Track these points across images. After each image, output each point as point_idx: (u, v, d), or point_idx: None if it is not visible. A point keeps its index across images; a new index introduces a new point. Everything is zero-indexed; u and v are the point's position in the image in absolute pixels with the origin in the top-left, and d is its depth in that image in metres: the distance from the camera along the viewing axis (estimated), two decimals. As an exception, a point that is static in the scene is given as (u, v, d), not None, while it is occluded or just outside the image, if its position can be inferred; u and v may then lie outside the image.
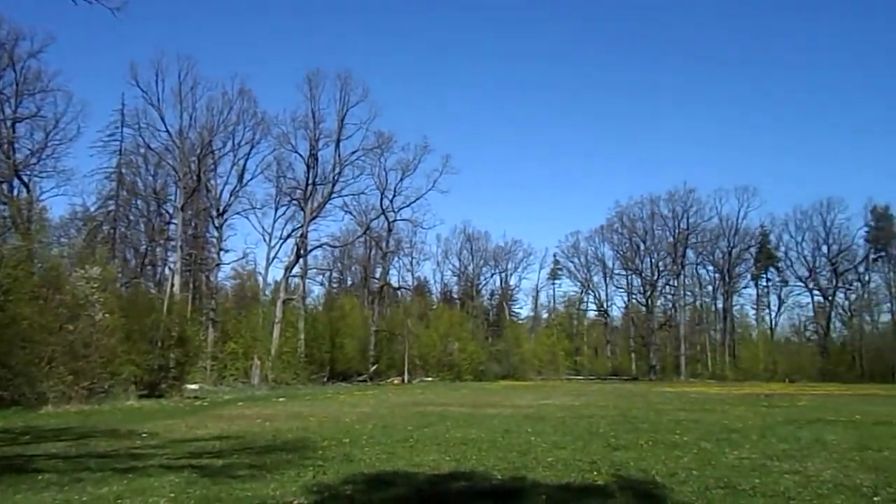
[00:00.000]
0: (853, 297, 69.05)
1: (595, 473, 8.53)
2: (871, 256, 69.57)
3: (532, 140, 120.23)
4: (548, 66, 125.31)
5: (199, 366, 34.57)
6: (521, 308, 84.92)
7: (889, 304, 67.24)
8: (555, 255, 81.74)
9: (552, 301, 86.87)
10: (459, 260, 77.82)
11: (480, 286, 78.97)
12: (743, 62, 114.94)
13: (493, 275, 79.44)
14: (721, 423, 15.47)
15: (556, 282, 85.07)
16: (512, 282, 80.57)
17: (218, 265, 48.61)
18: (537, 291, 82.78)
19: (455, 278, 79.06)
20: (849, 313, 68.79)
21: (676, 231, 70.40)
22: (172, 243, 47.10)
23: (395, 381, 48.90)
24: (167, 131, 43.38)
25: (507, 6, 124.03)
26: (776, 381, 55.30)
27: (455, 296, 78.01)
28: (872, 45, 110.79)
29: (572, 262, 79.34)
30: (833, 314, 68.86)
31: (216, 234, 48.90)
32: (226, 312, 50.07)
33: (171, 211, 49.12)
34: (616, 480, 8.08)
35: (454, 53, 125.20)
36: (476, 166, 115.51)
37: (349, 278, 73.83)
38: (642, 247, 72.64)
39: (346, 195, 52.11)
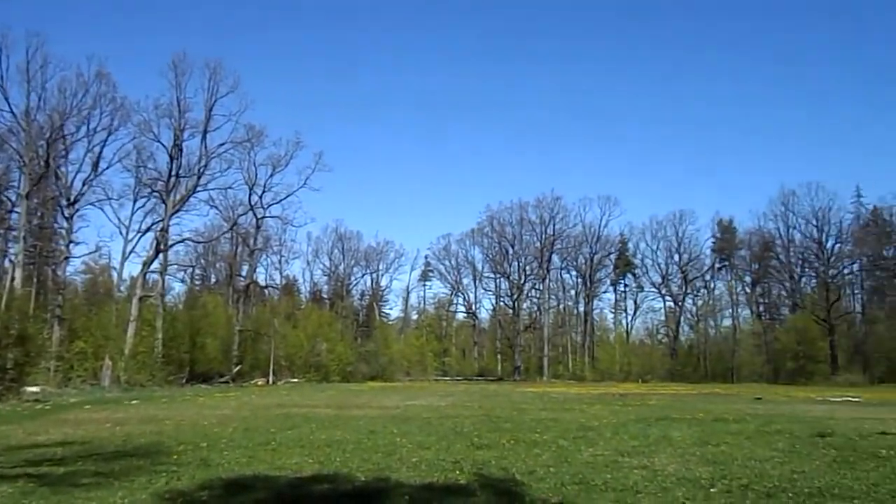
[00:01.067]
0: (700, 302, 74.46)
1: (458, 472, 8.63)
2: (717, 265, 75.45)
3: (407, 141, 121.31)
4: (423, 67, 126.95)
5: (41, 366, 31.90)
6: (391, 309, 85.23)
7: (730, 310, 73.14)
8: (426, 257, 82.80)
9: (422, 302, 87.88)
10: (330, 259, 77.00)
11: (351, 286, 78.41)
12: (611, 73, 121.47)
13: (364, 275, 79.23)
14: (579, 421, 16.13)
15: (427, 283, 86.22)
16: (383, 282, 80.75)
17: (66, 258, 44.92)
18: (408, 293, 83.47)
19: (325, 278, 78.11)
20: (696, 318, 74.07)
21: (543, 237, 72.86)
22: (14, 233, 43.24)
23: (260, 383, 47.40)
24: (11, 111, 39.79)
25: (384, 4, 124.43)
26: (630, 382, 58.63)
27: (325, 296, 76.94)
28: (721, 70, 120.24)
29: (443, 264, 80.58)
30: (682, 319, 73.98)
31: (66, 225, 45.26)
32: (75, 309, 46.47)
33: (13, 198, 45.09)
34: (478, 479, 8.21)
35: (330, 51, 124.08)
36: (350, 165, 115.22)
37: (213, 276, 71.15)
38: (511, 251, 74.74)
39: (212, 189, 49.81)
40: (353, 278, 78.41)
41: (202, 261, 68.18)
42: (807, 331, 60.84)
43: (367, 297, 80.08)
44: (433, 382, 57.45)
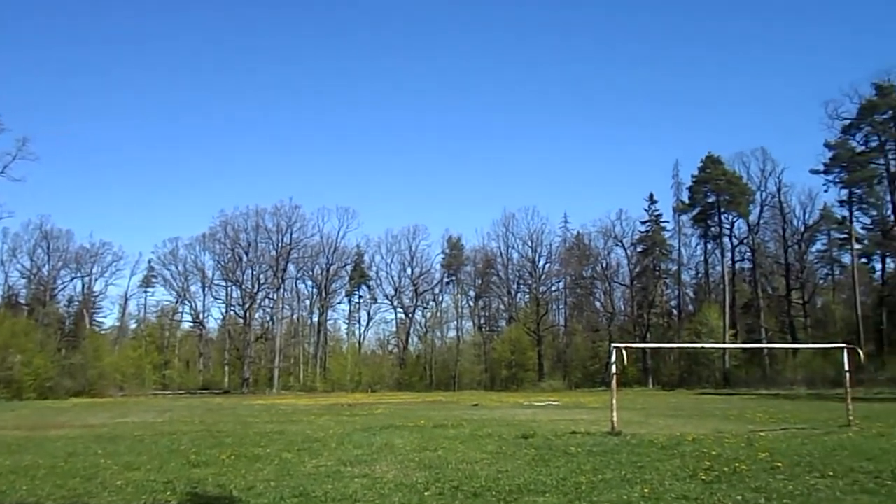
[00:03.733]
0: (428, 314, 78.45)
1: (169, 493, 8.03)
2: (445, 280, 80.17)
3: (131, 135, 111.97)
4: (160, 59, 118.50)
5: None
6: (105, 317, 77.30)
7: (455, 322, 78.09)
8: (150, 262, 76.58)
9: (143, 310, 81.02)
10: (32, 260, 68.03)
11: (56, 291, 69.89)
12: (352, 86, 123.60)
13: (73, 279, 71.11)
14: (305, 433, 15.97)
15: (149, 290, 79.60)
16: (97, 288, 72.97)
17: None
18: (126, 299, 76.06)
19: (24, 281, 68.76)
20: (424, 329, 77.86)
21: (280, 245, 71.52)
22: None
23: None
24: None
25: None
26: (360, 392, 59.73)
27: (22, 301, 67.64)
28: (457, 100, 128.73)
29: (169, 269, 75.18)
30: (412, 330, 77.29)
31: None
32: None
33: None
34: (191, 499, 7.71)
35: (39, 35, 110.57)
36: (62, 156, 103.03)
37: None
38: (245, 258, 72.04)
39: None
40: (59, 282, 69.98)
41: None
42: (519, 341, 67.09)
43: (77, 303, 71.99)
44: (151, 397, 53.13)
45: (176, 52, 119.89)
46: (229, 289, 74.94)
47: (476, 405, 31.34)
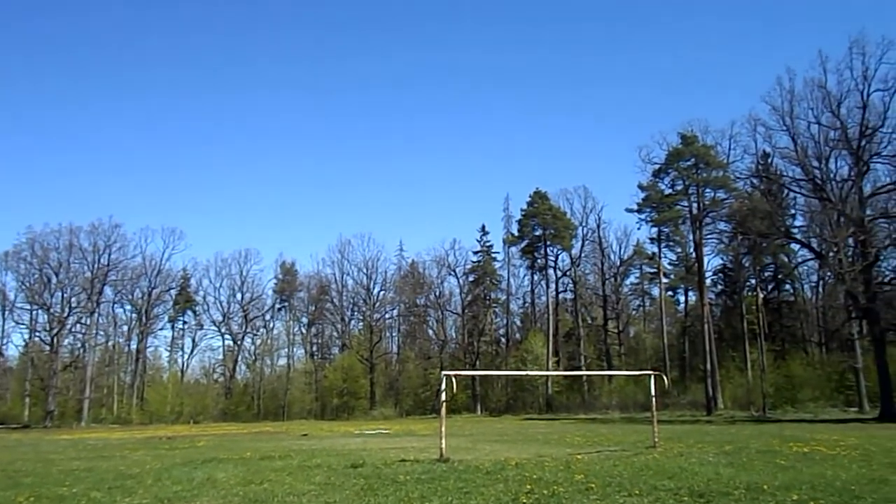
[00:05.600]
0: (258, 341, 75.88)
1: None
2: (277, 306, 78.04)
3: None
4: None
5: None
6: None
7: (286, 349, 76.10)
8: (-62, 280, 68.06)
9: (-72, 335, 71.53)
10: None
11: None
12: (175, 104, 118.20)
13: None
14: (117, 469, 14.79)
15: (-63, 312, 70.56)
16: None
17: None
18: None
19: None
20: (253, 357, 75.17)
21: (96, 266, 66.31)
22: None
23: None
24: None
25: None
26: (181, 423, 56.30)
27: None
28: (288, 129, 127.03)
29: (-39, 289, 67.20)
30: (240, 357, 74.29)
31: None
32: None
33: None
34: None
35: None
36: None
37: None
38: (55, 279, 65.94)
39: None
40: None
41: None
42: (352, 369, 66.67)
43: None
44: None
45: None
46: (34, 312, 68.09)
47: (305, 435, 30.64)
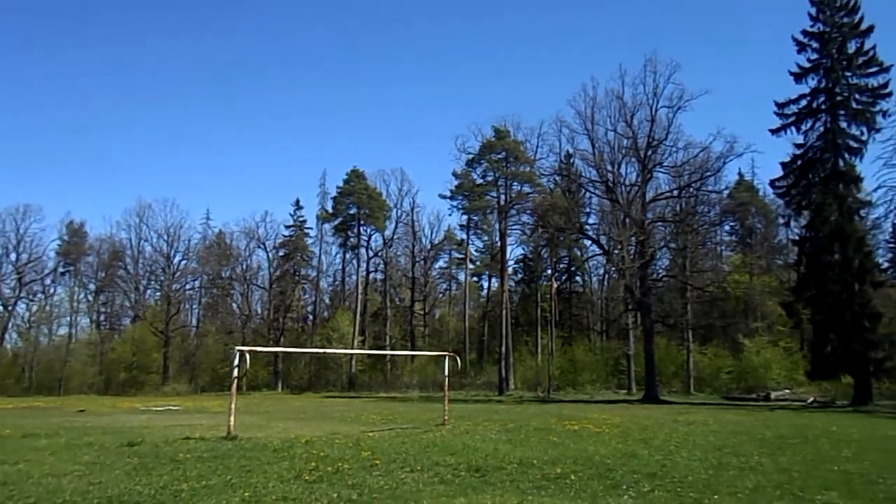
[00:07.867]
0: (34, 308, 68.68)
1: None
2: (60, 270, 70.95)
3: None
4: None
5: None
6: None
7: (69, 318, 69.57)
8: None
9: None
10: None
11: None
12: None
13: None
14: None
15: None
16: None
17: None
18: None
19: None
20: (27, 325, 67.98)
21: None
22: None
23: None
24: None
25: None
26: (-68, 396, 49.62)
27: None
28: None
29: None
30: (11, 324, 66.83)
31: None
32: None
33: None
34: None
35: None
36: None
37: None
38: None
39: None
40: None
41: None
42: (144, 341, 62.49)
43: None
44: None
45: None
46: None
47: (82, 411, 28.23)
